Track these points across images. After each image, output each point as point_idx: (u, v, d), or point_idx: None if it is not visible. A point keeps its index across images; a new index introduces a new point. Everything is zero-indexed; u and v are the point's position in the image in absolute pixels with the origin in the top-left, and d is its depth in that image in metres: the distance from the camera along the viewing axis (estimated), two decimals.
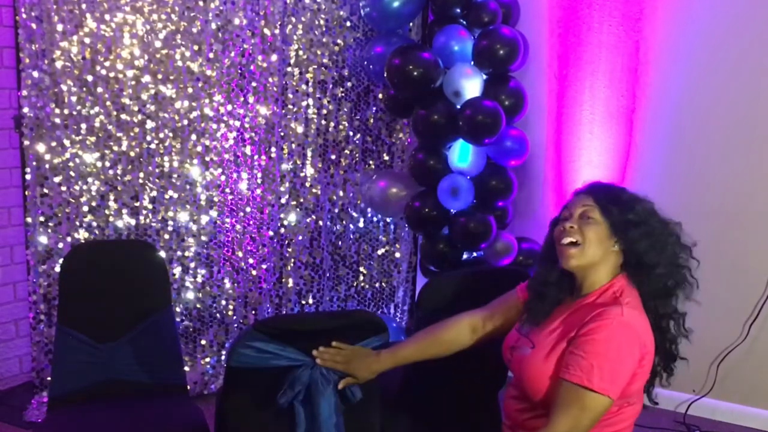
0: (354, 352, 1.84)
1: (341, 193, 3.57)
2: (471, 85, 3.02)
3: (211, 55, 3.23)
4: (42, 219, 3.09)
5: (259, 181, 3.35)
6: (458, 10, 3.10)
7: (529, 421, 1.71)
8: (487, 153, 3.20)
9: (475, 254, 3.25)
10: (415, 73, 3.01)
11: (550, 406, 1.58)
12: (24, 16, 2.96)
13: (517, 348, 1.76)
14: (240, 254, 3.38)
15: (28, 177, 3.08)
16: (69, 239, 3.13)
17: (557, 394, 1.57)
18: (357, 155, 3.55)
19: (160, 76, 3.18)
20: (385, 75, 3.11)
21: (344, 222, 3.60)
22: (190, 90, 3.22)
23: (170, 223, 3.29)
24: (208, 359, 3.40)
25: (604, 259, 1.68)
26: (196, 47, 3.20)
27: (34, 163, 3.06)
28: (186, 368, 3.22)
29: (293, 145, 3.43)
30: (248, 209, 3.37)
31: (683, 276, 1.74)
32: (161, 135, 3.23)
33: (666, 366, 1.76)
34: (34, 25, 2.98)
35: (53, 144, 3.07)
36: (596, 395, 1.53)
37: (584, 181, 1.86)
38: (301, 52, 3.37)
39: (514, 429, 1.77)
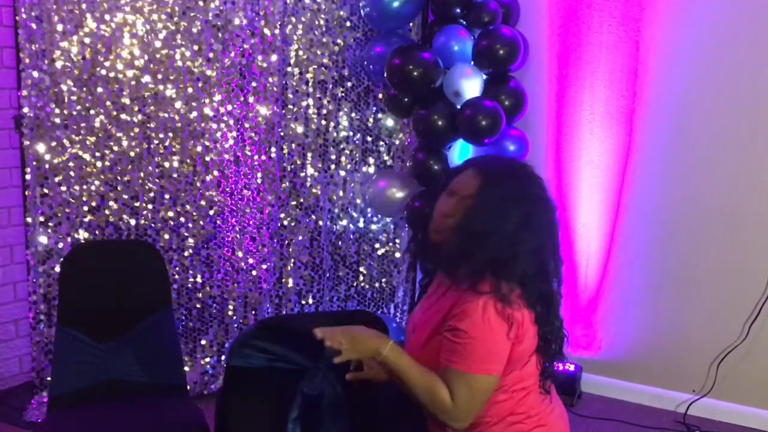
0: (351, 329, 1.73)
1: (341, 193, 3.57)
2: (471, 85, 3.02)
3: (211, 55, 3.23)
4: (42, 219, 3.09)
5: (259, 181, 3.35)
6: (458, 10, 3.10)
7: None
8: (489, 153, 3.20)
9: None
10: (415, 73, 3.01)
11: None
12: (24, 16, 2.96)
13: (407, 332, 1.81)
14: (240, 254, 3.38)
15: (28, 177, 3.08)
16: (69, 239, 3.13)
17: (447, 380, 1.60)
18: (357, 155, 3.55)
19: (160, 76, 3.18)
20: (385, 75, 3.11)
21: (344, 222, 3.60)
22: (190, 90, 3.22)
23: (170, 223, 3.29)
24: (208, 359, 3.40)
25: None
26: (196, 47, 3.20)
27: (34, 163, 3.06)
28: (186, 368, 3.22)
29: (293, 145, 3.43)
30: (248, 209, 3.37)
31: (551, 258, 1.70)
32: (161, 135, 3.23)
33: (549, 338, 1.72)
34: (34, 25, 2.98)
35: (53, 144, 3.07)
36: (480, 377, 1.59)
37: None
38: (301, 52, 3.37)
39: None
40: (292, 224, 3.49)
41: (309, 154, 3.47)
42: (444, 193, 1.74)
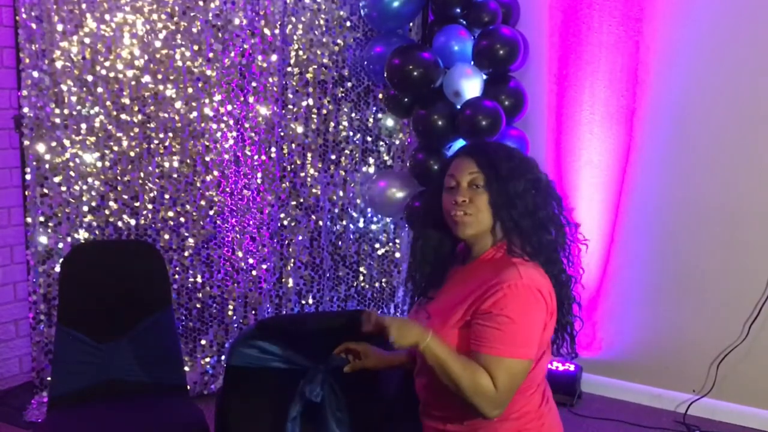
0: (396, 318, 1.77)
1: (341, 193, 3.57)
2: (471, 85, 3.02)
3: (211, 55, 3.23)
4: (42, 219, 3.09)
5: (259, 181, 3.35)
6: (458, 10, 3.10)
7: (433, 394, 1.73)
8: None
9: None
10: (415, 73, 3.01)
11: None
12: (24, 16, 2.96)
13: (417, 319, 1.76)
14: (240, 254, 3.38)
15: (28, 177, 3.08)
16: (69, 239, 3.13)
17: (485, 367, 1.58)
18: (357, 155, 3.55)
19: (160, 76, 3.19)
20: (385, 75, 3.11)
21: (344, 222, 3.60)
22: (190, 90, 3.22)
23: (170, 223, 3.29)
24: (208, 359, 3.40)
25: (493, 222, 1.70)
26: (196, 47, 3.20)
27: (34, 163, 3.06)
28: (186, 368, 3.22)
29: (293, 145, 3.43)
30: (248, 209, 3.37)
31: (561, 234, 1.73)
32: (161, 135, 3.23)
33: (565, 328, 1.76)
34: (34, 25, 2.98)
35: (53, 144, 3.07)
36: (520, 361, 1.59)
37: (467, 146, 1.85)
38: (301, 52, 3.37)
39: (425, 407, 1.78)
40: (292, 224, 3.49)
41: (309, 154, 3.47)
42: (445, 192, 1.74)
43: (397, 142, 3.57)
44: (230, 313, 3.41)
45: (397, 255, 3.66)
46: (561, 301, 1.71)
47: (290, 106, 3.39)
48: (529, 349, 1.60)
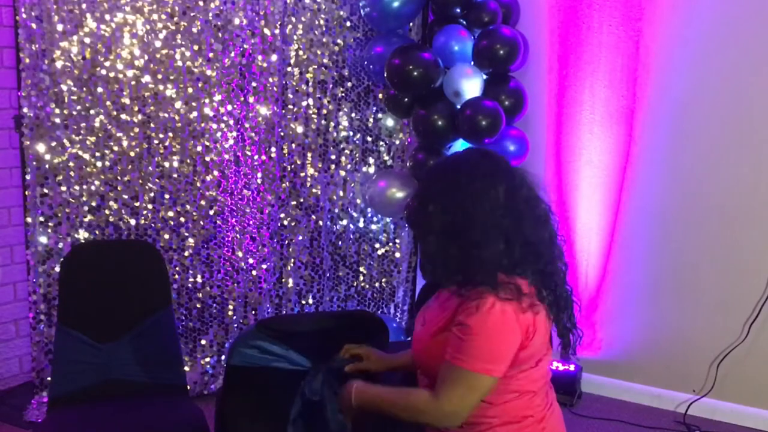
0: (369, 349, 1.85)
1: (341, 193, 3.57)
2: (471, 85, 3.02)
3: (211, 55, 3.23)
4: (42, 219, 3.09)
5: (259, 181, 3.35)
6: (458, 10, 3.10)
7: None
8: None
9: None
10: (415, 73, 3.02)
11: (437, 384, 1.61)
12: (24, 16, 2.96)
13: (417, 325, 1.79)
14: (240, 254, 3.38)
15: (28, 177, 3.08)
16: (69, 239, 3.13)
17: (444, 374, 1.59)
18: (357, 155, 3.55)
19: (160, 76, 3.18)
20: (385, 75, 3.11)
21: (344, 222, 3.60)
22: (190, 90, 3.22)
23: (170, 223, 3.29)
24: (208, 359, 3.40)
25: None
26: (196, 47, 3.20)
27: (34, 163, 3.06)
28: (186, 368, 3.22)
29: (293, 145, 3.43)
30: (248, 209, 3.37)
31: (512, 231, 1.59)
32: (161, 135, 3.23)
33: (567, 329, 1.71)
34: (34, 25, 2.98)
35: (53, 144, 3.07)
36: (479, 375, 1.56)
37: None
38: (301, 52, 3.37)
39: None
40: (292, 224, 3.49)
41: (309, 154, 3.47)
42: None
43: (397, 142, 3.57)
44: (230, 313, 3.41)
45: (397, 255, 3.66)
46: (563, 306, 1.67)
47: (290, 106, 3.39)
48: (494, 365, 1.56)
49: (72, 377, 2.37)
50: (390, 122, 3.54)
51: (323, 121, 3.46)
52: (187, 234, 3.32)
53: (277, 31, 3.26)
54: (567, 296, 1.70)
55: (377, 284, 3.68)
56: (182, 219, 3.30)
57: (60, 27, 3.02)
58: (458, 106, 3.05)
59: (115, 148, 3.18)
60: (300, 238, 3.51)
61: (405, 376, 1.95)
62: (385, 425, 1.75)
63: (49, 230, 3.11)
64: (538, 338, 1.61)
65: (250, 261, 3.39)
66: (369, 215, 3.61)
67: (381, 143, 3.57)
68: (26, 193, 3.11)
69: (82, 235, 3.16)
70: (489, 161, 1.66)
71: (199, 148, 3.28)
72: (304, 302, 3.57)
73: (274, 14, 3.25)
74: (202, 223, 3.33)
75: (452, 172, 1.65)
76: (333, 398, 1.83)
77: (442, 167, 1.71)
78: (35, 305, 3.12)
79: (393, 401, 1.65)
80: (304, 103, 3.41)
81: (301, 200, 3.50)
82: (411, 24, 3.42)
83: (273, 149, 3.34)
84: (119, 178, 3.20)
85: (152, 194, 3.25)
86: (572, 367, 3.44)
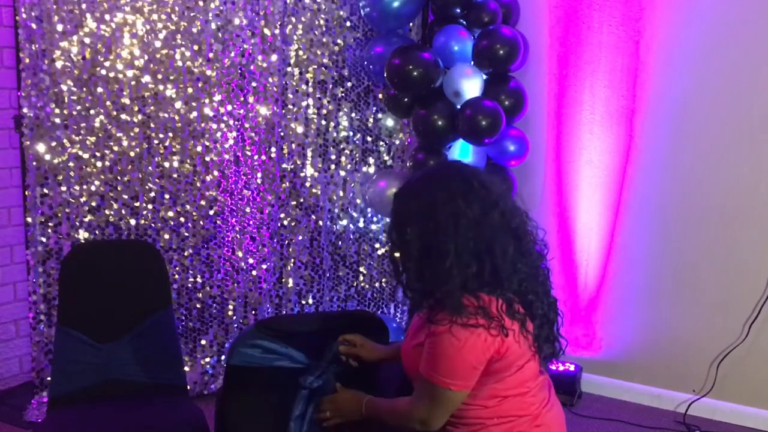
0: (334, 398, 1.88)
1: (341, 193, 3.57)
2: (471, 85, 3.02)
3: (211, 55, 3.23)
4: (42, 219, 3.09)
5: (259, 181, 3.35)
6: (458, 10, 3.10)
7: None
8: (487, 153, 3.20)
9: None
10: (415, 73, 3.01)
11: (413, 391, 1.71)
12: (24, 16, 2.96)
13: (405, 339, 1.86)
14: (240, 254, 3.38)
15: (28, 177, 3.08)
16: (69, 239, 3.13)
17: (416, 383, 1.69)
18: (357, 155, 3.55)
19: (160, 76, 3.18)
20: (385, 75, 3.11)
21: (344, 222, 3.60)
22: (190, 90, 3.22)
23: (170, 223, 3.29)
24: (208, 359, 3.40)
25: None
26: (196, 47, 3.20)
27: (34, 163, 3.06)
28: (186, 368, 3.22)
29: (293, 145, 3.43)
30: (248, 209, 3.37)
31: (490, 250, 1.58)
32: (161, 135, 3.23)
33: (548, 336, 1.71)
34: (34, 25, 2.98)
35: (53, 144, 3.07)
36: (441, 388, 1.61)
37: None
38: (301, 52, 3.37)
39: None
40: (292, 224, 3.49)
41: (309, 154, 3.47)
42: None
43: (397, 142, 3.57)
44: (230, 313, 3.41)
45: (397, 255, 3.65)
46: (532, 315, 1.66)
47: (290, 106, 3.39)
48: (453, 380, 1.59)
49: (72, 377, 2.37)
50: (390, 122, 3.54)
51: (323, 121, 3.46)
52: (187, 234, 3.32)
53: (277, 31, 3.26)
54: (547, 310, 1.69)
55: (377, 284, 3.68)
56: (182, 219, 3.30)
57: (60, 27, 3.02)
58: (458, 106, 3.05)
59: (115, 148, 3.18)
60: (300, 238, 3.51)
61: (405, 374, 1.96)
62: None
63: (49, 230, 3.11)
64: (511, 353, 1.62)
65: (250, 261, 3.39)
66: (369, 215, 3.61)
67: (381, 143, 3.57)
68: (26, 193, 3.11)
69: (82, 235, 3.16)
70: (460, 180, 1.62)
71: (199, 148, 3.28)
72: (304, 302, 3.57)
73: (274, 14, 3.25)
74: (202, 223, 3.33)
75: (426, 194, 1.62)
76: (333, 380, 1.85)
77: (415, 190, 1.67)
78: (35, 305, 3.12)
79: (388, 410, 1.77)
80: (304, 103, 3.41)
81: (301, 200, 3.50)
82: (411, 24, 3.42)
83: (273, 149, 3.34)
84: (119, 178, 3.20)
85: (152, 194, 3.25)
86: (572, 367, 3.44)
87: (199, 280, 3.36)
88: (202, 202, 3.31)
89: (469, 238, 1.56)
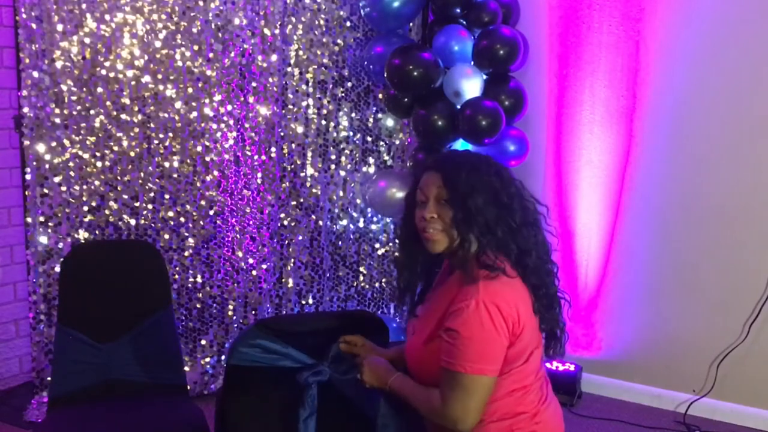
0: (370, 361, 1.88)
1: (341, 193, 3.57)
2: (471, 85, 3.02)
3: (211, 55, 3.23)
4: (42, 219, 3.09)
5: (259, 181, 3.35)
6: (458, 10, 3.10)
7: None
8: (487, 153, 3.20)
9: None
10: (415, 73, 3.01)
11: (440, 390, 1.65)
12: (24, 16, 2.96)
13: (407, 335, 1.85)
14: (240, 254, 3.38)
15: (28, 177, 3.08)
16: (69, 239, 3.13)
17: (443, 380, 1.64)
18: (357, 155, 3.55)
19: (160, 76, 3.18)
20: (385, 75, 3.11)
21: (344, 222, 3.60)
22: (190, 90, 3.22)
23: (170, 223, 3.29)
24: (208, 359, 3.40)
25: (460, 237, 1.70)
26: (196, 47, 3.20)
27: (34, 163, 3.06)
28: (186, 368, 3.22)
29: (293, 145, 3.43)
30: (248, 209, 3.37)
31: (535, 236, 1.73)
32: (161, 135, 3.23)
33: (551, 332, 1.76)
34: (34, 25, 2.98)
35: (53, 144, 3.07)
36: (474, 377, 1.59)
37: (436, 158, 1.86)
38: (301, 52, 3.37)
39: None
40: (292, 224, 3.49)
41: (309, 154, 3.47)
42: (417, 207, 1.75)
43: (397, 142, 3.57)
44: (230, 313, 3.41)
45: (397, 255, 3.65)
46: (549, 304, 1.71)
47: (290, 106, 3.39)
48: (485, 365, 1.59)
49: (72, 377, 2.37)
50: (390, 122, 3.54)
51: (323, 121, 3.46)
52: (187, 234, 3.32)
53: (277, 31, 3.26)
54: (554, 293, 1.75)
55: (377, 284, 3.68)
56: (182, 219, 3.30)
57: (60, 27, 3.02)
58: (458, 106, 3.05)
59: (115, 148, 3.18)
60: (300, 238, 3.51)
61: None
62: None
63: (49, 230, 3.11)
64: (527, 333, 1.64)
65: (250, 261, 3.39)
66: (369, 215, 3.61)
67: (381, 143, 3.57)
68: (26, 193, 3.11)
69: (82, 235, 3.16)
70: (491, 160, 1.82)
71: (199, 148, 3.28)
72: (304, 302, 3.57)
73: (274, 14, 3.25)
74: (202, 223, 3.33)
75: (473, 160, 1.77)
76: (338, 370, 1.85)
77: (460, 155, 1.88)
78: (35, 305, 3.12)
79: (419, 398, 1.71)
80: (304, 103, 3.41)
81: (301, 200, 3.50)
82: (411, 24, 3.42)
83: (273, 149, 3.34)
84: (119, 178, 3.20)
85: (152, 194, 3.25)
86: (572, 367, 3.43)
87: (199, 280, 3.36)
88: (202, 202, 3.31)
89: (512, 215, 1.69)
